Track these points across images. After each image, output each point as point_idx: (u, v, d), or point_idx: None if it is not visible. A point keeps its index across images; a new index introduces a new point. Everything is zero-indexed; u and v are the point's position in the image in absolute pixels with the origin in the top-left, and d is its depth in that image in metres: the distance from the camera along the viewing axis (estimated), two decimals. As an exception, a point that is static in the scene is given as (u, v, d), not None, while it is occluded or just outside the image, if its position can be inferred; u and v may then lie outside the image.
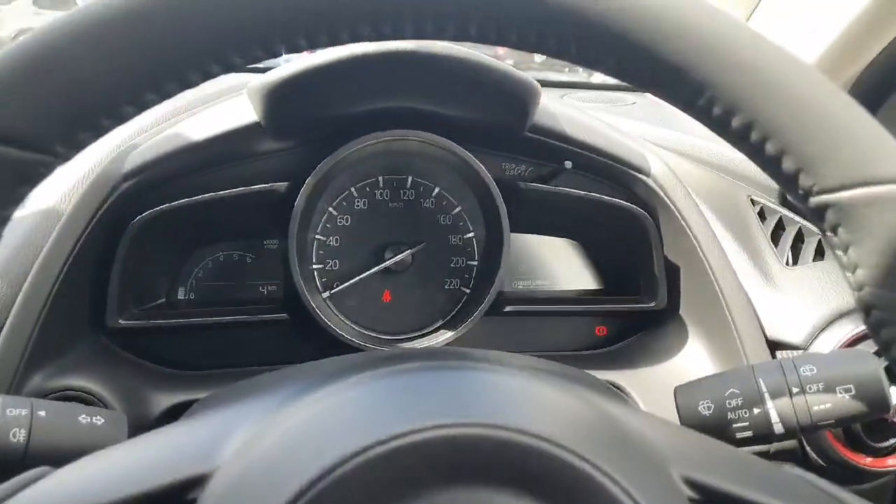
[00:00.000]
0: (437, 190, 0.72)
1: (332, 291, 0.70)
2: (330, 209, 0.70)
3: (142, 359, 0.65)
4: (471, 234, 0.73)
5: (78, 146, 0.26)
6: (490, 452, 0.25)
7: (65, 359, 0.58)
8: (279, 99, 0.58)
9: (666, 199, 0.67)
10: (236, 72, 0.27)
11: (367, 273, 0.69)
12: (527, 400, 0.28)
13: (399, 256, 0.70)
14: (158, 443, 0.30)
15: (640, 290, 0.72)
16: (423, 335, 0.70)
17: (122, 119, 0.26)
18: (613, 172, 0.68)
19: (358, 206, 0.71)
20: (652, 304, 0.69)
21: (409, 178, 0.72)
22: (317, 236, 0.70)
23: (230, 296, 0.71)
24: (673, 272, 0.70)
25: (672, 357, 0.68)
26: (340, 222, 0.71)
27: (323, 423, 0.27)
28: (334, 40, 0.27)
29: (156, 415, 0.60)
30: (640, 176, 0.68)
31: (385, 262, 0.70)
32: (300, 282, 0.65)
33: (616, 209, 0.68)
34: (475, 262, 0.73)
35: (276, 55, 0.27)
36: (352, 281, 0.69)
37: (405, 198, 0.72)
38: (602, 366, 0.68)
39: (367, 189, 0.71)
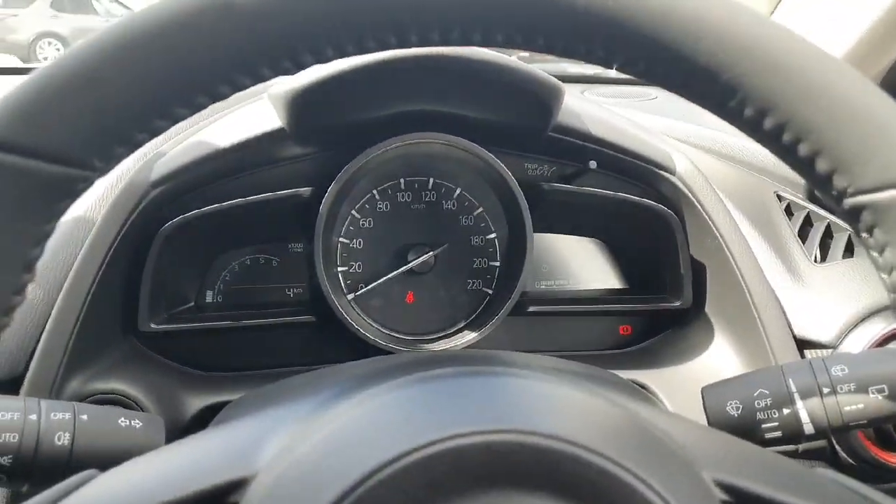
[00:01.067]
0: (458, 191, 0.72)
1: (357, 293, 0.71)
2: (353, 212, 0.71)
3: (173, 361, 0.66)
4: (493, 235, 0.73)
5: (114, 160, 0.27)
6: (525, 458, 0.25)
7: (100, 363, 0.60)
8: (304, 105, 0.59)
9: (692, 197, 0.66)
10: (265, 81, 0.28)
11: (391, 275, 0.70)
12: (560, 405, 0.29)
13: (422, 258, 0.70)
14: (200, 447, 0.31)
15: (666, 289, 0.71)
16: (447, 336, 0.71)
17: (155, 132, 0.27)
18: (638, 171, 0.68)
19: (380, 208, 0.72)
20: (678, 303, 0.69)
21: (431, 180, 0.72)
22: (341, 239, 0.71)
23: (257, 299, 0.72)
24: (699, 271, 0.69)
25: (698, 356, 0.68)
26: (363, 225, 0.72)
27: (360, 428, 0.27)
28: (361, 49, 0.27)
29: (189, 416, 0.62)
30: (665, 174, 0.67)
31: (408, 263, 0.70)
32: (326, 284, 0.65)
33: (641, 208, 0.68)
34: (497, 263, 0.73)
35: (305, 66, 0.28)
36: (376, 283, 0.70)
37: (427, 199, 0.72)
38: (627, 365, 0.68)
39: (389, 191, 0.72)
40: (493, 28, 0.27)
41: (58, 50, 8.60)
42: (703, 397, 0.47)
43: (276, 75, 0.27)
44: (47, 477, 0.41)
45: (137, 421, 0.45)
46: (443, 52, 0.55)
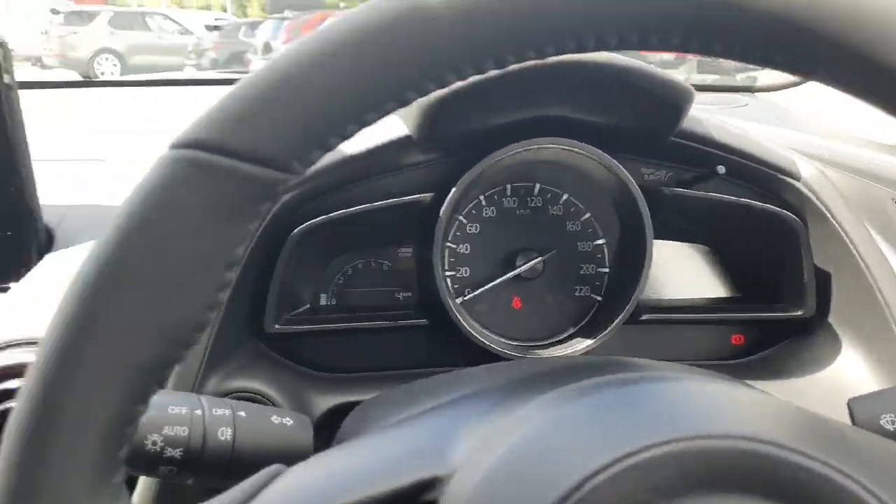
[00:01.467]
0: (564, 196, 0.72)
1: (466, 297, 0.71)
2: (460, 217, 0.72)
3: (291, 362, 0.68)
4: (601, 241, 0.72)
5: (310, 164, 0.27)
6: (748, 463, 0.25)
7: (232, 363, 0.61)
8: (435, 113, 0.60)
9: (818, 204, 0.65)
10: (445, 87, 0.27)
11: (501, 279, 0.70)
12: (756, 409, 0.28)
13: (531, 263, 0.70)
14: (384, 445, 0.31)
15: (783, 298, 0.70)
16: (559, 342, 0.71)
17: (346, 137, 0.27)
18: (763, 177, 0.67)
19: (486, 214, 0.72)
20: (800, 312, 0.67)
21: (537, 186, 0.72)
22: (448, 244, 0.71)
23: (368, 302, 0.73)
24: (822, 279, 0.67)
25: (824, 368, 0.66)
26: (470, 230, 0.72)
27: (569, 429, 0.27)
28: (539, 55, 0.27)
29: (317, 416, 0.63)
30: (790, 181, 0.66)
31: (517, 269, 0.70)
32: (444, 288, 0.66)
33: (764, 214, 0.67)
34: (606, 269, 0.72)
35: (485, 72, 0.27)
36: (486, 287, 0.70)
37: (532, 205, 0.73)
38: (748, 375, 0.66)
39: (496, 197, 0.72)
40: (670, 31, 0.26)
41: (115, 65, 9.01)
42: (850, 409, 0.46)
43: (458, 80, 0.27)
44: (212, 471, 0.42)
45: (288, 419, 0.46)
46: (580, 57, 0.55)
